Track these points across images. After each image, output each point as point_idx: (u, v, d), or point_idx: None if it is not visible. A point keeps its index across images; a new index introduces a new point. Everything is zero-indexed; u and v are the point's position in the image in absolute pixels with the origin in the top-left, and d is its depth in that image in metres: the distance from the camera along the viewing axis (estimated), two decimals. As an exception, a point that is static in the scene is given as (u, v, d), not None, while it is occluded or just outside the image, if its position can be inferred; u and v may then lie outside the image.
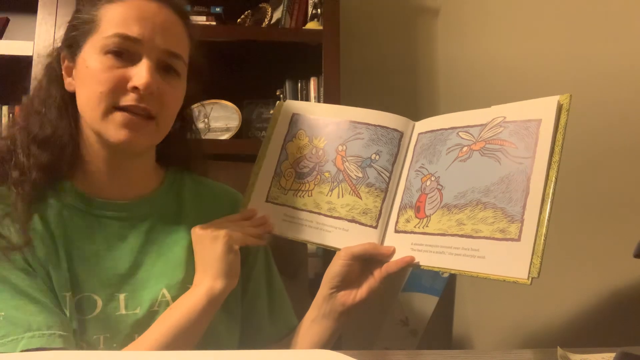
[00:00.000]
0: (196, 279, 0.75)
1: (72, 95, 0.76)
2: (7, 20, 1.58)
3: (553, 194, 0.64)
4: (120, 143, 0.71)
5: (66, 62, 0.76)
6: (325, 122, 0.84)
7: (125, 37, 0.70)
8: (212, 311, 0.73)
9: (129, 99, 0.70)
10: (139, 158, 0.80)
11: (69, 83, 0.76)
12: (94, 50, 0.72)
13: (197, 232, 0.76)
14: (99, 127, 0.72)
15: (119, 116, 0.71)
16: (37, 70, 0.80)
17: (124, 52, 0.71)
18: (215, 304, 0.73)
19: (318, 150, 0.83)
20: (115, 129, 0.71)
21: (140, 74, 0.70)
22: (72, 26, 0.76)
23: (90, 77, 0.71)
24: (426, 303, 1.52)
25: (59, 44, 0.78)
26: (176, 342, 0.69)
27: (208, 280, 0.73)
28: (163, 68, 0.74)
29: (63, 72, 0.76)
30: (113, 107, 0.70)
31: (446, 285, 1.53)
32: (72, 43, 0.75)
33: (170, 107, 0.75)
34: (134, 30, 0.71)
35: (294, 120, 0.87)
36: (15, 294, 0.67)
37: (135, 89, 0.70)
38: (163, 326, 0.71)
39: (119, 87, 0.70)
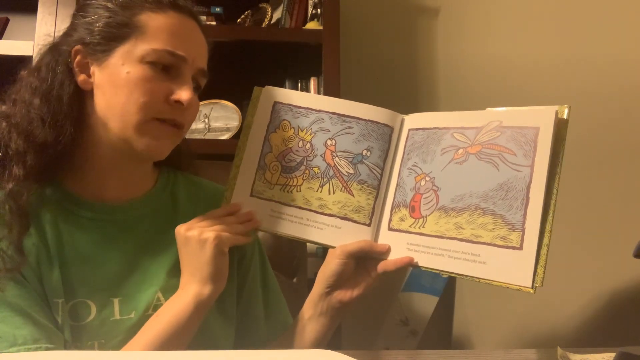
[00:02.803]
0: (182, 282, 0.73)
1: (82, 93, 0.74)
2: (7, 20, 1.59)
3: (555, 205, 0.65)
4: (151, 152, 0.74)
5: (79, 58, 0.73)
6: (311, 113, 0.81)
7: (174, 55, 0.72)
8: (200, 316, 0.72)
9: (168, 112, 0.73)
10: (144, 161, 0.80)
11: (84, 80, 0.73)
12: (135, 58, 0.71)
13: (182, 233, 0.73)
14: (130, 134, 0.72)
15: (157, 127, 0.73)
16: (38, 63, 0.76)
17: (169, 66, 0.73)
18: (203, 310, 0.72)
19: (305, 143, 0.80)
20: (150, 139, 0.73)
21: (184, 90, 0.73)
22: (99, 24, 0.73)
23: (131, 84, 0.71)
24: (426, 303, 1.52)
25: (68, 38, 0.75)
26: (164, 349, 0.68)
27: (196, 285, 0.71)
28: (192, 82, 0.76)
29: (75, 68, 0.73)
30: (151, 117, 0.72)
31: (446, 285, 1.53)
32: (96, 41, 0.73)
33: (193, 118, 0.78)
34: (182, 49, 0.73)
35: (276, 110, 0.83)
36: (1, 306, 0.66)
37: (177, 103, 0.73)
38: (150, 334, 0.70)
39: (161, 99, 0.72)
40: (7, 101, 0.75)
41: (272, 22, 1.61)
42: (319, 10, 1.58)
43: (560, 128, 0.67)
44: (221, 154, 1.38)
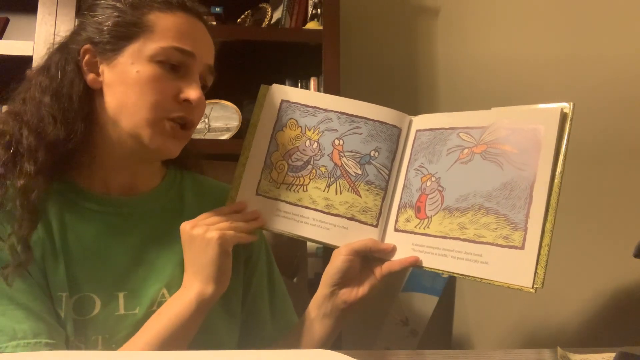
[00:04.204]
0: (185, 280, 0.73)
1: (91, 92, 0.75)
2: (7, 20, 1.58)
3: (557, 204, 0.65)
4: (162, 151, 0.74)
5: (89, 57, 0.74)
6: (318, 113, 0.81)
7: (182, 51, 0.73)
8: (202, 316, 0.72)
9: (177, 110, 0.73)
10: (153, 159, 0.80)
11: (93, 79, 0.74)
12: (144, 57, 0.72)
13: (187, 230, 0.73)
14: (141, 132, 0.72)
15: (168, 127, 0.73)
16: (47, 62, 0.77)
17: (177, 65, 0.73)
18: (205, 309, 0.71)
19: (312, 142, 0.80)
20: (161, 138, 0.73)
21: (193, 88, 0.73)
22: (108, 24, 0.74)
23: (141, 83, 0.71)
24: (426, 303, 1.52)
25: (77, 37, 0.76)
26: (164, 348, 0.68)
27: (198, 284, 0.71)
28: (200, 81, 0.77)
29: (84, 67, 0.74)
30: (162, 116, 0.72)
31: (446, 285, 1.53)
32: (105, 40, 0.73)
33: (201, 116, 0.78)
34: (190, 46, 0.73)
35: (283, 108, 0.82)
36: (3, 299, 0.66)
37: (186, 101, 0.73)
38: (150, 332, 0.69)
39: (171, 98, 0.73)
40: (17, 100, 0.75)
41: (272, 22, 1.61)
42: (319, 10, 1.58)
43: (563, 125, 0.66)
44: (221, 154, 1.38)
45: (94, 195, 0.76)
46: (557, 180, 0.65)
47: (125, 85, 0.72)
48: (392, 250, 0.75)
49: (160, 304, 0.74)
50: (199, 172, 0.90)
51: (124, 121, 0.73)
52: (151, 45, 0.72)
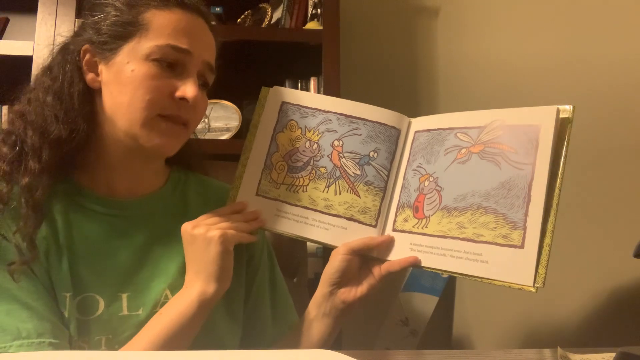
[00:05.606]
0: (187, 279, 0.73)
1: (92, 92, 0.75)
2: (7, 20, 1.59)
3: (557, 204, 0.65)
4: (159, 149, 0.74)
5: (88, 57, 0.75)
6: (318, 114, 0.82)
7: (178, 49, 0.72)
8: (204, 315, 0.72)
9: (173, 108, 0.73)
10: (153, 158, 0.80)
11: (92, 79, 0.75)
12: (140, 55, 0.72)
13: (188, 230, 0.74)
14: (137, 131, 0.72)
15: (163, 124, 0.73)
16: (50, 62, 0.78)
17: (174, 63, 0.73)
18: (207, 308, 0.72)
19: (312, 143, 0.81)
20: (157, 136, 0.73)
21: (189, 86, 0.73)
22: (106, 23, 0.74)
23: (136, 82, 0.71)
24: (426, 303, 1.52)
25: (77, 37, 0.77)
26: (166, 348, 0.68)
27: (200, 283, 0.71)
28: (200, 79, 0.76)
29: (84, 67, 0.75)
30: (156, 114, 0.72)
31: (446, 285, 1.53)
32: (103, 40, 0.74)
33: (200, 115, 0.78)
34: (186, 43, 0.73)
35: (283, 110, 0.83)
36: (7, 298, 0.66)
37: (182, 99, 0.73)
38: (152, 332, 0.70)
39: (166, 96, 0.72)
40: (23, 100, 0.76)
41: (272, 22, 1.62)
42: (319, 10, 1.58)
43: (563, 127, 0.67)
44: (221, 154, 1.38)
45: (98, 196, 0.77)
46: (558, 182, 0.65)
47: (121, 84, 0.72)
48: (390, 241, 0.75)
49: (163, 305, 0.74)
50: (203, 173, 0.90)
51: (120, 120, 0.73)
52: (146, 44, 0.72)
